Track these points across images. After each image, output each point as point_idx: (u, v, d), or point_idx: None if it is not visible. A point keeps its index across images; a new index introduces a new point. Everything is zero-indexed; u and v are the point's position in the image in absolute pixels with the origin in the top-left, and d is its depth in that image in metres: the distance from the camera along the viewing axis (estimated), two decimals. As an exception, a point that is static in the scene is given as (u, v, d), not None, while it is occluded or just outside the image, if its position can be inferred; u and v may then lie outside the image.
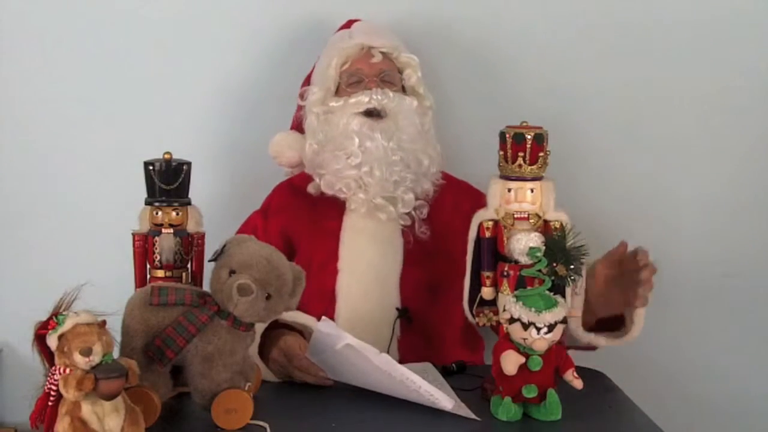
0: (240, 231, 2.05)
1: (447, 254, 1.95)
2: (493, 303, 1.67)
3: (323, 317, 1.69)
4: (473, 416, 1.57)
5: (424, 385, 1.59)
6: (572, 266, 1.57)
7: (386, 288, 1.97)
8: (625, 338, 1.83)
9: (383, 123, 1.99)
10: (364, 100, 2.00)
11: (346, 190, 2.00)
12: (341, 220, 2.02)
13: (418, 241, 2.01)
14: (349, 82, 2.05)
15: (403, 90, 2.07)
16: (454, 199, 2.06)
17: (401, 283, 1.99)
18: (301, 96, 2.12)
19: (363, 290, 1.97)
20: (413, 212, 2.01)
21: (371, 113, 2.00)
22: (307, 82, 2.14)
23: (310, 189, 2.05)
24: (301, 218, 2.05)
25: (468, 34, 2.32)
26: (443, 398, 1.59)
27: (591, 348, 1.87)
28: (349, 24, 2.18)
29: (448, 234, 1.98)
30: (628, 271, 1.77)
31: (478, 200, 1.77)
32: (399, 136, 1.99)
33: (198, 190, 1.72)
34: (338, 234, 2.01)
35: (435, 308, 2.00)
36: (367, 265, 1.98)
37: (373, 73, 2.04)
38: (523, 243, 1.60)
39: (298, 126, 2.12)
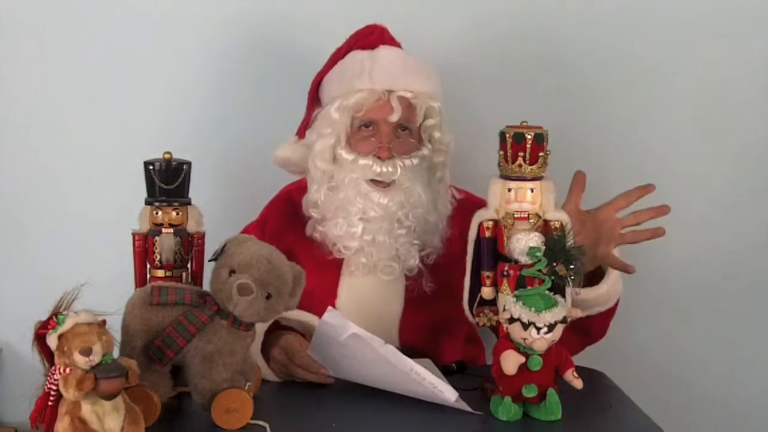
0: None
1: (451, 289, 1.80)
2: (493, 303, 1.67)
3: (329, 307, 1.68)
4: (475, 410, 1.58)
5: (428, 377, 1.59)
6: (572, 266, 1.57)
7: (385, 329, 1.90)
8: (604, 287, 1.82)
9: (391, 192, 1.92)
10: (375, 170, 1.90)
11: (346, 252, 1.94)
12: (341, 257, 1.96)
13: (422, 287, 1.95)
14: (361, 125, 1.93)
15: (420, 131, 1.97)
16: (461, 224, 1.88)
17: (401, 325, 1.95)
18: (310, 109, 2.03)
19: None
20: (419, 264, 1.94)
21: (379, 182, 1.92)
22: (319, 80, 2.03)
23: (309, 232, 1.98)
24: (299, 248, 1.95)
25: (481, 33, 2.32)
26: (447, 390, 1.59)
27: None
28: (371, 35, 2.01)
29: (454, 265, 1.81)
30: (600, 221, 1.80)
31: None
32: (408, 207, 1.91)
33: (198, 190, 1.72)
34: (338, 270, 1.96)
35: (436, 347, 1.96)
36: (366, 305, 1.92)
37: (388, 131, 1.92)
38: (523, 243, 1.60)
39: (305, 128, 2.05)
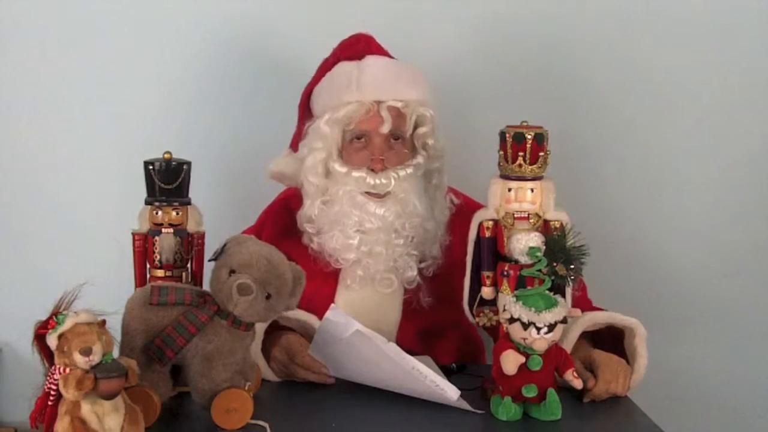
0: None
1: (452, 296, 1.79)
2: (493, 303, 1.67)
3: (332, 305, 1.68)
4: (475, 409, 1.58)
5: (430, 375, 1.59)
6: (572, 266, 1.57)
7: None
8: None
9: (387, 202, 1.89)
10: (369, 182, 1.89)
11: (343, 263, 1.92)
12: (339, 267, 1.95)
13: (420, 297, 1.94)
14: (353, 138, 1.92)
15: (413, 139, 1.95)
16: (461, 231, 1.87)
17: (399, 338, 1.92)
18: (302, 120, 2.02)
19: None
20: (418, 277, 1.92)
21: (374, 193, 1.90)
22: (309, 91, 2.03)
23: (305, 242, 1.96)
24: (296, 257, 1.84)
25: (480, 34, 2.32)
26: (449, 388, 1.59)
27: None
28: (358, 44, 1.99)
29: (455, 272, 1.81)
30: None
31: None
32: (405, 217, 1.90)
33: (197, 190, 1.72)
34: (335, 281, 1.94)
35: (433, 353, 1.93)
36: (364, 317, 1.84)
37: (380, 142, 1.90)
38: (523, 243, 1.61)
39: (297, 141, 2.03)
